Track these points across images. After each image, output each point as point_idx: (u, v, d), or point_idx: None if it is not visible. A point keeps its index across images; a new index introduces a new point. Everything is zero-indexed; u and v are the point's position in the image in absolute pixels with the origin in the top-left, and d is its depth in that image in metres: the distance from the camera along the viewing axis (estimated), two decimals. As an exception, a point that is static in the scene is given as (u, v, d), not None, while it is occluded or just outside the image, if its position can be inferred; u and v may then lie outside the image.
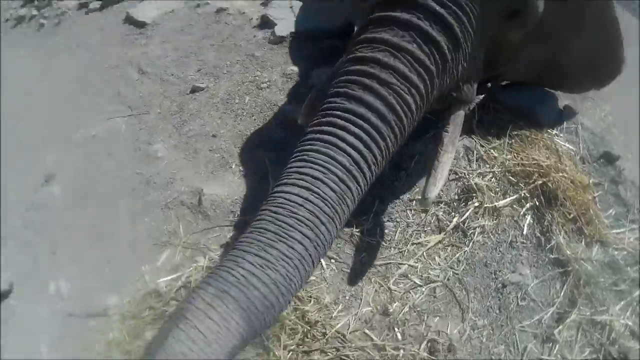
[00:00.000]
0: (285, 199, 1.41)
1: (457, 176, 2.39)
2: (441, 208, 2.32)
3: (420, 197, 2.07)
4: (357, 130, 1.47)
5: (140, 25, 4.00)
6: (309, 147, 1.49)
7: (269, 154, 2.59)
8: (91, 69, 3.80)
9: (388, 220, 2.31)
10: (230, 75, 3.11)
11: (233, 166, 2.60)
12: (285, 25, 3.30)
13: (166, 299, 2.15)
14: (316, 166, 1.43)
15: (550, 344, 2.03)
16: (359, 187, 1.49)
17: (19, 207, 2.77)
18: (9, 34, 5.65)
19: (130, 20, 4.12)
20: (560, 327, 2.06)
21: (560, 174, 2.31)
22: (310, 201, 1.39)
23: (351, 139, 1.46)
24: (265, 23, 3.42)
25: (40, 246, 2.60)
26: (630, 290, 2.20)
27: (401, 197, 2.37)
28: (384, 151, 1.54)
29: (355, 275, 2.15)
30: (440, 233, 2.25)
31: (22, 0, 6.44)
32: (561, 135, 2.60)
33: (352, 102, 1.52)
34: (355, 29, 2.40)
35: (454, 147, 1.99)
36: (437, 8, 1.61)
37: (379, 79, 1.53)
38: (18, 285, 2.44)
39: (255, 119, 2.79)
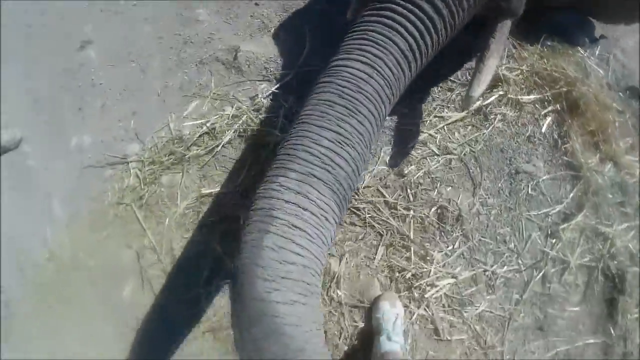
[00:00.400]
0: (350, 73, 1.34)
1: None
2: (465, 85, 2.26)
3: (464, 96, 2.03)
4: (415, 19, 1.44)
5: None
6: (369, 27, 1.45)
7: (309, 25, 2.51)
8: None
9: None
10: None
11: (272, 30, 2.52)
12: None
13: (187, 144, 2.10)
14: (378, 46, 1.38)
15: (554, 240, 2.07)
16: (410, 73, 1.47)
17: (51, 72, 2.75)
18: None
19: None
20: (565, 225, 2.08)
21: (586, 88, 2.26)
22: (374, 79, 1.34)
23: (410, 26, 1.44)
24: None
25: (69, 106, 2.60)
26: (635, 215, 2.20)
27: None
28: (435, 43, 1.52)
29: None
30: (462, 111, 2.22)
31: None
32: (592, 58, 2.48)
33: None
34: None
35: (499, 53, 1.96)
36: None
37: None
38: (38, 143, 2.49)
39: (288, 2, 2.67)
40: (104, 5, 3.11)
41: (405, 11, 1.43)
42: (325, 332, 1.92)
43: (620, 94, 2.51)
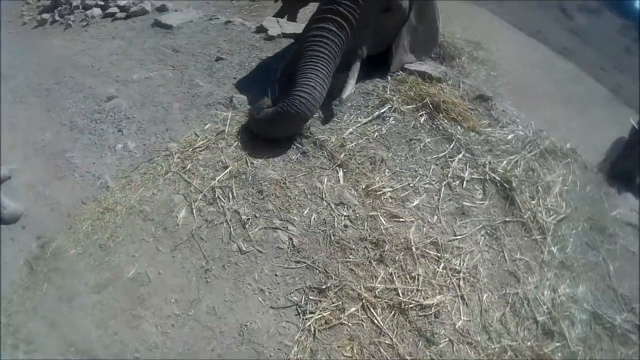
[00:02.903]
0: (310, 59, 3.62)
1: (376, 96, 4.22)
2: (368, 107, 4.14)
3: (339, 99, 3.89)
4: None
5: (168, 27, 5.60)
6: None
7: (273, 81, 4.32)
8: (131, 49, 5.28)
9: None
10: (240, 54, 4.82)
11: (249, 88, 4.30)
12: (274, 30, 5.12)
13: (210, 139, 3.74)
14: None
15: (448, 169, 3.77)
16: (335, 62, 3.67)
17: (85, 114, 4.19)
18: (31, 33, 6.89)
19: (158, 24, 5.71)
20: (455, 159, 3.81)
21: (443, 96, 4.17)
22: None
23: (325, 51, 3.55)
24: (261, 29, 5.21)
25: (107, 129, 3.98)
26: (503, 155, 3.97)
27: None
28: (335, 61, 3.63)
29: None
30: (368, 117, 4.03)
31: (41, 7, 7.65)
32: (446, 86, 4.49)
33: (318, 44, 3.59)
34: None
35: (354, 79, 3.97)
36: (342, 9, 3.66)
37: (327, 38, 3.60)
38: (81, 150, 3.78)
39: (258, 72, 4.52)
40: (119, 77, 4.74)
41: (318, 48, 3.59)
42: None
43: (473, 102, 4.32)
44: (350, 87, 3.87)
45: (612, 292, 3.62)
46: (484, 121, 4.24)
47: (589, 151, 5.24)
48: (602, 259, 3.76)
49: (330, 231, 3.15)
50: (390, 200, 3.40)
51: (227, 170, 3.44)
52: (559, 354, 3.06)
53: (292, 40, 4.94)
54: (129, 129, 3.98)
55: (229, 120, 3.85)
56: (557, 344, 3.10)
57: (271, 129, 3.58)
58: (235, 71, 4.52)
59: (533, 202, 3.71)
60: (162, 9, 6.17)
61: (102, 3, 6.77)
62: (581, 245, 3.73)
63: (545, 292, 3.29)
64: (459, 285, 3.05)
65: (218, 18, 5.62)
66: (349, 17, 3.63)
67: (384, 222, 3.26)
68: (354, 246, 3.10)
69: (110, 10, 6.48)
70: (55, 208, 3.37)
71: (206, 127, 3.84)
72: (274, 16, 5.99)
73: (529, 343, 3.02)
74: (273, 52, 4.75)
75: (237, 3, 8.41)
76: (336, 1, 3.65)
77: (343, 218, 3.24)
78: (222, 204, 3.27)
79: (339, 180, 3.47)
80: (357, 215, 3.28)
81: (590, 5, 10.65)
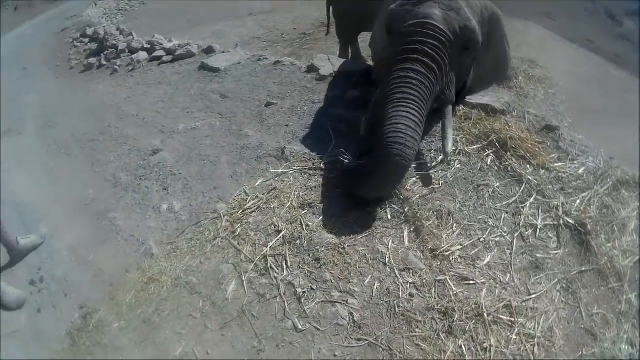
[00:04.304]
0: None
1: (439, 137, 3.65)
2: (431, 151, 3.64)
3: (443, 153, 3.41)
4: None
5: (215, 70, 5.42)
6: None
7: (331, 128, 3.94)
8: (178, 96, 5.13)
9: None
10: (292, 97, 4.49)
11: (302, 137, 3.91)
12: (326, 69, 4.77)
13: (268, 197, 3.34)
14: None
15: (520, 216, 3.21)
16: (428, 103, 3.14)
17: (130, 169, 3.97)
18: (78, 78, 6.90)
19: (205, 67, 5.55)
20: (527, 204, 3.27)
21: (509, 132, 3.67)
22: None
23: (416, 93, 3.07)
24: (312, 68, 4.87)
25: (152, 187, 3.74)
26: (576, 193, 3.41)
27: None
28: (427, 105, 3.09)
29: None
30: (432, 162, 3.53)
31: (88, 51, 7.72)
32: (511, 118, 3.97)
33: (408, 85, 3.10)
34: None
35: (451, 127, 3.44)
36: (427, 49, 3.14)
37: (416, 79, 3.09)
38: (126, 211, 3.59)
39: (311, 118, 4.14)
40: (165, 127, 4.49)
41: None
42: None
43: (540, 133, 3.79)
44: (451, 137, 3.36)
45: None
46: (553, 155, 3.71)
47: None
48: (684, 301, 3.18)
49: (395, 302, 2.75)
50: (459, 260, 2.97)
51: (281, 235, 3.09)
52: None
53: (343, 78, 4.54)
54: (174, 187, 3.72)
55: (281, 176, 3.46)
56: (637, 403, 2.55)
57: (370, 185, 3.15)
58: (287, 117, 4.18)
59: (609, 244, 3.20)
60: (209, 51, 5.98)
61: (149, 46, 6.70)
62: (659, 288, 3.17)
63: (623, 347, 2.80)
64: (533, 353, 2.61)
65: (267, 58, 5.35)
66: (436, 58, 3.16)
67: (452, 287, 2.83)
68: (420, 318, 2.70)
69: (157, 53, 6.38)
70: (98, 275, 3.23)
71: (257, 184, 3.49)
72: (339, 57, 5.63)
73: (607, 407, 2.47)
74: (326, 94, 4.35)
75: (287, 37, 8.21)
76: (420, 41, 3.15)
77: (409, 286, 2.84)
78: (276, 274, 2.91)
79: (404, 241, 3.06)
80: (424, 281, 2.86)
81: (637, 7, 9.88)
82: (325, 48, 7.46)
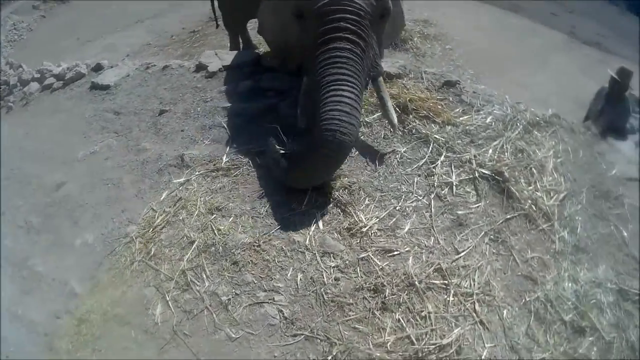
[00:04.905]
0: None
1: None
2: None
3: (391, 126, 3.43)
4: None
5: (105, 87, 5.25)
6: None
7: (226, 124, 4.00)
8: (73, 122, 4.94)
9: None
10: (184, 100, 4.47)
11: (199, 139, 3.95)
12: (215, 65, 4.76)
13: (176, 209, 3.38)
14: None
15: (432, 176, 3.34)
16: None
17: (38, 210, 3.88)
18: None
19: (95, 86, 5.36)
20: (437, 163, 3.40)
21: (407, 94, 3.78)
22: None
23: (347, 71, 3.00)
24: (200, 67, 4.85)
25: (62, 225, 3.67)
26: (487, 143, 3.55)
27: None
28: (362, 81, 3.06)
29: None
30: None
31: None
32: (408, 80, 4.12)
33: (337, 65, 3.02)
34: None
35: (387, 95, 3.40)
36: (353, 27, 3.11)
37: (344, 57, 3.03)
38: (42, 255, 3.50)
39: (207, 118, 4.17)
40: (65, 157, 4.40)
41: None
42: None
43: (440, 90, 3.96)
44: (392, 107, 3.38)
45: (631, 259, 3.33)
46: (457, 109, 3.85)
47: (567, 104, 4.97)
48: (614, 227, 3.46)
49: (322, 289, 2.78)
50: (378, 234, 3.02)
51: (194, 245, 3.10)
52: (594, 349, 2.77)
53: (234, 70, 4.57)
54: (84, 219, 3.64)
55: (184, 185, 3.51)
56: (590, 338, 2.81)
57: (311, 173, 3.12)
58: (181, 122, 4.19)
59: (530, 187, 3.37)
60: (98, 68, 5.81)
61: (39, 76, 6.45)
62: (590, 220, 3.42)
63: (566, 285, 2.97)
64: (475, 310, 2.71)
65: (155, 65, 5.26)
66: (360, 33, 3.12)
67: (377, 262, 2.88)
68: (351, 300, 2.73)
69: (47, 81, 6.15)
70: (31, 328, 3.09)
71: (162, 197, 3.50)
72: (231, 49, 5.71)
73: (561, 349, 2.72)
74: (218, 90, 4.38)
75: (177, 38, 8.04)
76: (340, 18, 3.09)
77: (332, 270, 2.87)
78: (198, 287, 2.91)
79: (319, 226, 3.08)
80: (347, 262, 2.89)
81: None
82: (216, 42, 7.40)
